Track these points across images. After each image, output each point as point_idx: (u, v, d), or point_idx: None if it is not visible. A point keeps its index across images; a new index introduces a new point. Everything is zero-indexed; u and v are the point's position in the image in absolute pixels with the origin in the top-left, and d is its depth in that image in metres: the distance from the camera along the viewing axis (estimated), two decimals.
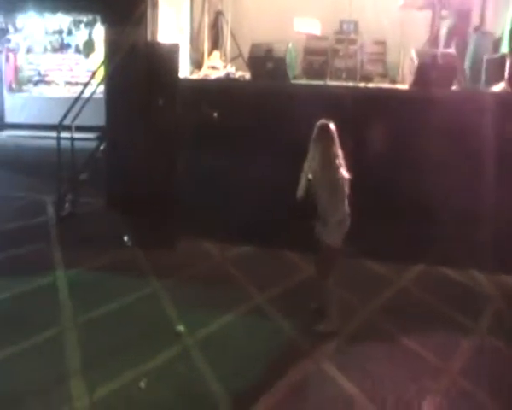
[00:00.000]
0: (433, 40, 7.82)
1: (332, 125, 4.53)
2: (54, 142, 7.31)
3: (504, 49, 7.11)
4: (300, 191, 4.65)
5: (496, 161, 5.85)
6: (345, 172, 4.48)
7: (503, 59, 6.80)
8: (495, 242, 5.76)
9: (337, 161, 4.46)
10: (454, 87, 6.70)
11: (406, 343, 4.55)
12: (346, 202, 4.52)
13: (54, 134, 7.32)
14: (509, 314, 5.24)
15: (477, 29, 7.46)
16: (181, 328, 4.59)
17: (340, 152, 4.52)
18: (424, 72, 6.39)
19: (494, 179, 5.85)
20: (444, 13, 7.48)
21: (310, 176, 4.62)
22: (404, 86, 7.03)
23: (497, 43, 7.41)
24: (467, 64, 7.18)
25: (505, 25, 7.13)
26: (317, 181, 4.50)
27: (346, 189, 4.50)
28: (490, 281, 5.89)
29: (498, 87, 6.64)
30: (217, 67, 8.61)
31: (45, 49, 13.60)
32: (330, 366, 4.16)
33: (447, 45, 7.19)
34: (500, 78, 6.67)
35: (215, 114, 6.73)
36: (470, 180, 5.94)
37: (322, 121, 4.57)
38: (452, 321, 4.98)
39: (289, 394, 3.82)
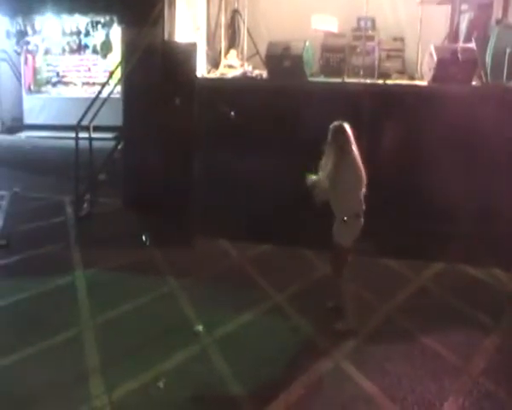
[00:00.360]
0: (453, 35, 7.70)
1: (347, 126, 4.44)
2: (72, 142, 7.41)
3: None
4: (322, 195, 4.52)
5: None
6: (362, 172, 4.43)
7: None
8: None
9: (354, 162, 4.40)
10: (474, 82, 6.60)
11: (426, 342, 4.49)
12: (363, 201, 4.47)
13: (72, 135, 7.39)
14: None
15: (499, 21, 7.31)
16: (199, 328, 4.58)
17: (356, 151, 4.45)
18: (443, 67, 6.30)
19: None
20: (463, 6, 7.35)
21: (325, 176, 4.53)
22: (423, 83, 6.93)
23: None
24: (488, 58, 7.04)
25: None
26: (334, 182, 4.40)
27: (364, 189, 4.45)
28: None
29: None
30: (234, 66, 8.60)
31: (63, 51, 13.77)
32: (349, 365, 4.12)
33: (467, 40, 7.06)
34: None
35: (232, 113, 6.71)
36: (491, 177, 5.85)
37: (336, 123, 4.48)
38: (473, 320, 4.91)
39: (308, 393, 3.79)
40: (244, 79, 7.76)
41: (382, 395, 3.78)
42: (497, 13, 7.37)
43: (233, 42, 9.26)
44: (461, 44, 6.86)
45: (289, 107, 6.58)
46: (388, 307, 5.10)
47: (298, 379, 3.91)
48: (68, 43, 13.65)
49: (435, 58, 6.38)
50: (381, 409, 3.64)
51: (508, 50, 6.76)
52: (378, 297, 5.23)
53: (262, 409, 3.57)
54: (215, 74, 8.26)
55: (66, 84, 13.89)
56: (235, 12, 9.16)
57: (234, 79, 7.79)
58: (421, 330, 4.64)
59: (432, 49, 6.56)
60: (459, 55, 6.24)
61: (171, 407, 3.65)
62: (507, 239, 5.67)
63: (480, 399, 3.79)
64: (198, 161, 6.65)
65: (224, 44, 8.88)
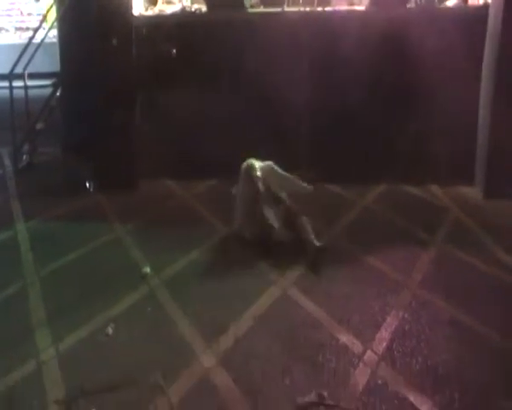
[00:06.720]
0: None
1: (257, 165, 4.84)
2: (6, 92, 7.08)
3: None
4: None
5: (447, 75, 5.83)
6: None
7: None
8: (450, 156, 5.86)
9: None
10: (409, 5, 6.55)
11: (369, 262, 4.62)
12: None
13: (5, 84, 7.08)
14: (465, 224, 5.36)
15: None
16: (147, 269, 4.56)
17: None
18: None
19: (446, 95, 5.85)
20: None
21: None
22: (362, 8, 6.84)
23: None
24: None
25: None
26: None
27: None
28: (447, 194, 6.02)
29: (452, 2, 6.53)
30: (172, 2, 8.23)
31: None
32: (296, 292, 4.20)
33: None
34: None
35: (173, 51, 6.52)
36: (427, 97, 5.95)
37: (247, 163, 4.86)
38: (412, 236, 5.09)
39: (257, 324, 3.83)
40: (183, 15, 7.47)
41: (329, 318, 3.87)
42: None
43: None
44: None
45: (230, 40, 6.45)
46: (333, 232, 5.20)
47: (246, 311, 3.95)
48: None
49: None
50: (328, 332, 3.72)
51: None
52: (323, 222, 5.29)
53: (212, 343, 3.60)
54: (153, 11, 7.92)
55: None
56: None
57: (173, 15, 7.49)
58: (365, 251, 4.77)
59: None
60: None
61: (121, 351, 3.62)
62: (442, 157, 5.85)
63: (417, 309, 3.96)
64: (139, 101, 6.46)
65: None
